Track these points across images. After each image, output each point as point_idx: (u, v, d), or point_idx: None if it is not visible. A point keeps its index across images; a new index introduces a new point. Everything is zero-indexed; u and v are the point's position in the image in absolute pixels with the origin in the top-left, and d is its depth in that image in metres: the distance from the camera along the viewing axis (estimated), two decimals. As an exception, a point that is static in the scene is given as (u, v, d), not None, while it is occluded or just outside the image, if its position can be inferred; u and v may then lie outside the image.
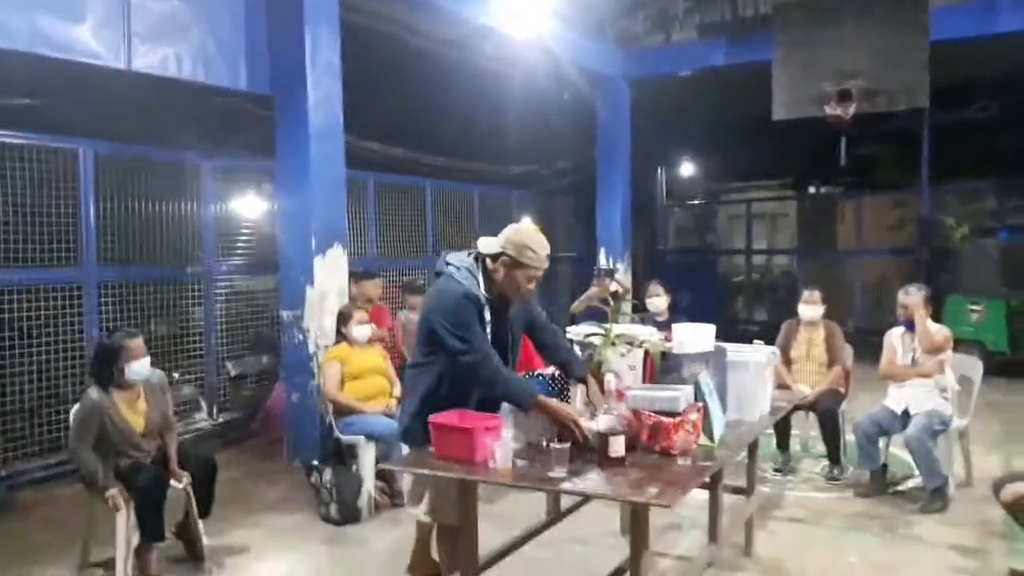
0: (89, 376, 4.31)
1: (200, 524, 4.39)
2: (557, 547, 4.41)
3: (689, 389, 3.28)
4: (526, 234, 3.33)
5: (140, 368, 4.19)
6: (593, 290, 7.03)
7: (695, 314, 6.01)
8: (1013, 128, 12.06)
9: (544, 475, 2.90)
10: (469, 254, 3.38)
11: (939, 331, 5.27)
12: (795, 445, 6.22)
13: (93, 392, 4.13)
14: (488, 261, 3.31)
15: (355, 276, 6.38)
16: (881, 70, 7.94)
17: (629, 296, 8.18)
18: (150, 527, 4.06)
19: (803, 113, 8.32)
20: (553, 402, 3.23)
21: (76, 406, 4.19)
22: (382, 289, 6.54)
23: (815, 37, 8.21)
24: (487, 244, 3.34)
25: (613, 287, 7.19)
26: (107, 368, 4.15)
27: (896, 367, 5.36)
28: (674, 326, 3.83)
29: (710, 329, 3.73)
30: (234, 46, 5.93)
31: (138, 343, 4.20)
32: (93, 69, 5.15)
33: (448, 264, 3.36)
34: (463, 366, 3.21)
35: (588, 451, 3.05)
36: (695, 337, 3.66)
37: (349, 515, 4.91)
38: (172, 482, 4.23)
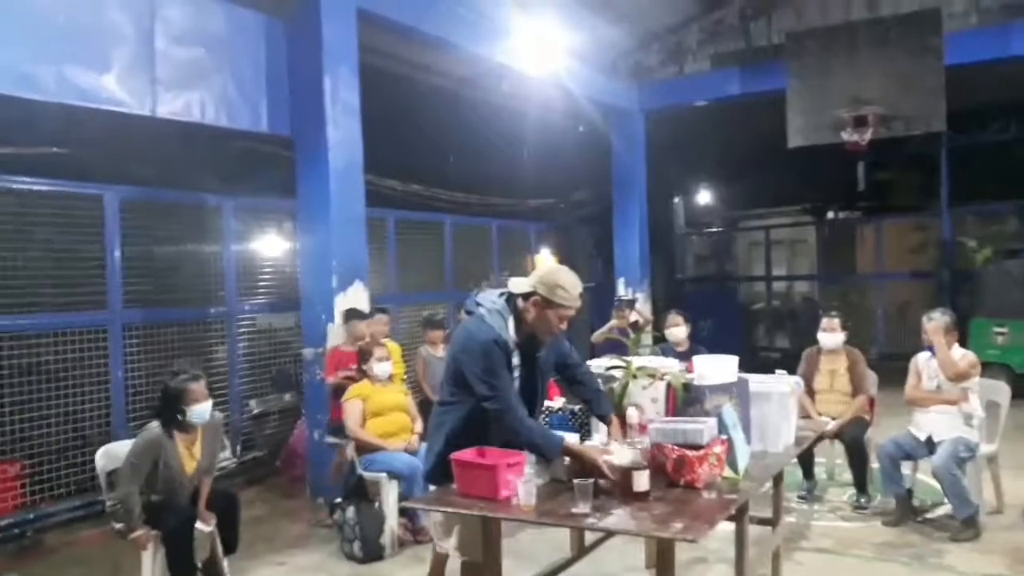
0: (153, 416, 4.31)
1: (224, 562, 4.39)
2: (583, 583, 4.38)
3: (713, 422, 3.27)
4: (558, 273, 3.32)
5: (202, 411, 4.22)
6: (613, 321, 7.07)
7: (716, 343, 6.01)
8: (1031, 150, 12.03)
9: (568, 511, 2.89)
10: (501, 294, 3.37)
11: (964, 357, 5.18)
12: (821, 473, 6.15)
13: (155, 428, 4.15)
14: (519, 301, 3.29)
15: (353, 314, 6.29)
16: (896, 95, 7.96)
17: (650, 327, 8.18)
18: (179, 568, 4.08)
19: (819, 140, 8.35)
20: (577, 446, 3.22)
21: (137, 438, 4.18)
22: (387, 326, 6.51)
23: (829, 64, 8.25)
24: (518, 284, 3.34)
25: (633, 317, 7.22)
26: (170, 410, 4.18)
27: (920, 393, 5.29)
28: (695, 358, 3.82)
29: (732, 360, 3.71)
30: (255, 90, 6.05)
31: (200, 386, 4.23)
32: (119, 116, 5.27)
33: (479, 305, 3.36)
34: (489, 412, 3.22)
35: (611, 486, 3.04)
36: (717, 369, 3.66)
37: (372, 553, 4.91)
38: (199, 525, 4.25)
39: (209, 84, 5.76)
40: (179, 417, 4.16)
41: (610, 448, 3.25)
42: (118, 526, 4.16)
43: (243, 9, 5.99)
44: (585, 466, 3.09)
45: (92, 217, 6.06)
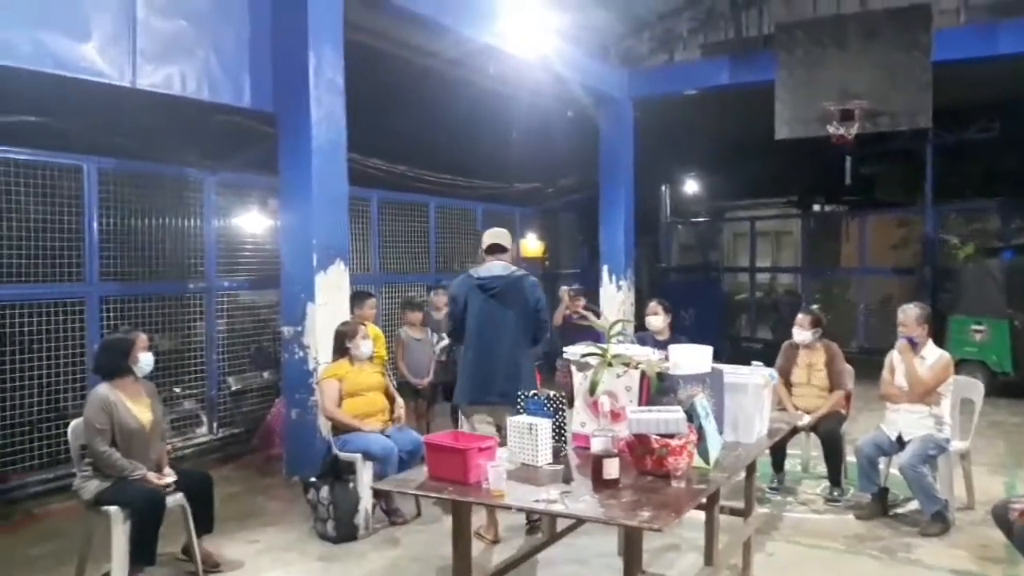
0: (95, 373, 4.39)
1: (196, 544, 4.38)
2: (554, 568, 4.40)
3: (680, 411, 3.25)
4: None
5: (147, 360, 4.35)
6: (565, 303, 7.69)
7: (698, 332, 6.03)
8: (1015, 149, 12.09)
9: (537, 497, 2.89)
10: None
11: (939, 359, 5.16)
12: (796, 465, 6.20)
13: (101, 387, 4.21)
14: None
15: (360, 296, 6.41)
16: (883, 90, 7.97)
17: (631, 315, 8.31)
18: (142, 550, 4.06)
19: (806, 132, 8.36)
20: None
21: (86, 406, 4.21)
22: (374, 310, 6.54)
23: (818, 57, 8.26)
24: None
25: (581, 303, 7.64)
26: (119, 360, 4.24)
27: (892, 388, 5.30)
28: (671, 347, 3.83)
29: (707, 350, 3.72)
30: (238, 64, 5.97)
31: (143, 338, 4.39)
32: (98, 87, 5.19)
33: (520, 269, 4.90)
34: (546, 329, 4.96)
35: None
36: (692, 359, 3.66)
37: (346, 532, 4.90)
38: (159, 479, 4.25)
39: (191, 57, 5.68)
40: (126, 368, 4.25)
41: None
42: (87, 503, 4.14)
43: (228, -18, 5.91)
44: None
45: (71, 188, 5.99)
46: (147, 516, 4.07)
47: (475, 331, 4.80)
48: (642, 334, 6.21)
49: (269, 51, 6.12)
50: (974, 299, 9.84)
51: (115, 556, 4.05)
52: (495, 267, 4.84)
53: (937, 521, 4.93)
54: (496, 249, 4.91)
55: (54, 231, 5.91)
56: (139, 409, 4.27)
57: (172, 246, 6.88)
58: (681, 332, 6.52)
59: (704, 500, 3.33)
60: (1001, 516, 3.84)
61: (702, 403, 3.38)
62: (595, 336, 3.89)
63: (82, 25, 5.02)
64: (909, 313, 5.24)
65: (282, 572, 4.51)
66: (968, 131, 12.10)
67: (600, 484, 2.97)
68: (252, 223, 7.65)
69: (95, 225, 6.13)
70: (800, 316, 5.94)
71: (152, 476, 4.24)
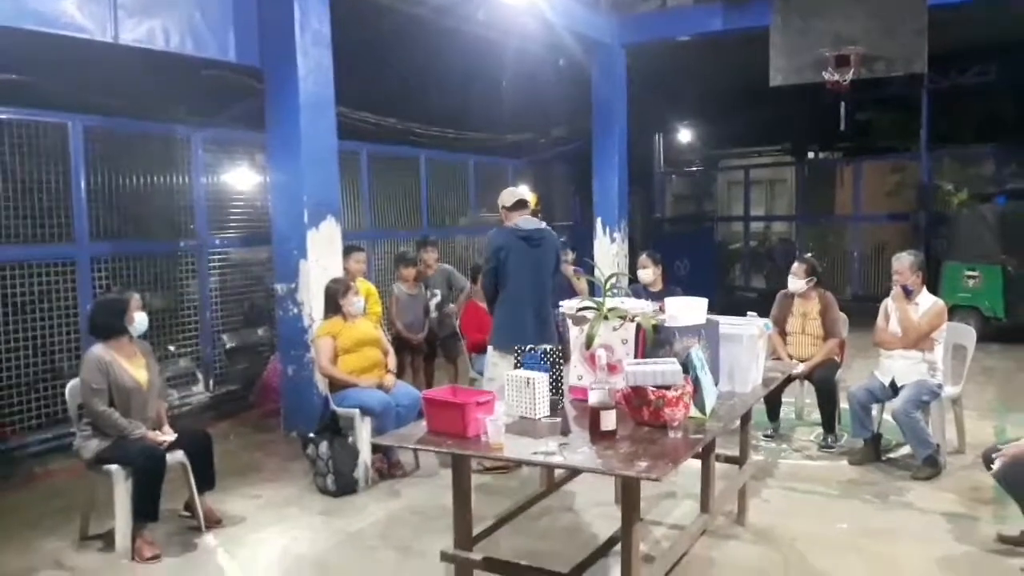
0: (89, 334, 4.38)
1: (198, 500, 4.42)
2: (551, 517, 4.46)
3: (677, 363, 3.26)
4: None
5: (142, 320, 4.34)
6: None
7: (693, 283, 6.04)
8: (1011, 94, 11.98)
9: (535, 449, 2.91)
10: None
11: (931, 308, 5.18)
12: (790, 413, 6.26)
13: (96, 348, 4.20)
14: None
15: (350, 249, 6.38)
16: (879, 36, 7.85)
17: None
18: (145, 507, 4.10)
19: (801, 79, 8.25)
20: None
21: (82, 366, 4.22)
22: (363, 264, 6.54)
23: (813, 3, 8.11)
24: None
25: (570, 257, 7.49)
26: (114, 321, 4.24)
27: (886, 335, 5.34)
28: (666, 300, 3.83)
29: (702, 302, 3.72)
30: (222, 18, 5.85)
31: (137, 297, 4.38)
32: (80, 43, 5.08)
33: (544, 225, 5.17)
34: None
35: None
36: (688, 310, 3.66)
37: (346, 487, 4.95)
38: (162, 437, 4.29)
39: (174, 11, 5.56)
40: (121, 328, 4.24)
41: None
42: (97, 448, 4.16)
43: (210, -69, 5.76)
44: None
45: (56, 146, 5.90)
46: (148, 474, 4.10)
47: (527, 280, 5.01)
48: (635, 286, 6.21)
49: (255, 4, 5.99)
50: (968, 245, 9.86)
51: (118, 513, 4.10)
52: (531, 221, 5.09)
53: (928, 465, 5.00)
54: (522, 205, 5.14)
55: (41, 191, 5.85)
56: (135, 368, 4.28)
57: (161, 204, 6.83)
58: (676, 283, 6.53)
59: (700, 449, 3.36)
60: (990, 461, 3.91)
61: (698, 354, 3.39)
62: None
63: (60, -21, 4.89)
64: (903, 261, 5.25)
65: (284, 526, 4.56)
66: (964, 76, 11.97)
67: (597, 435, 2.99)
68: (242, 180, 7.58)
69: (83, 184, 6.07)
70: (795, 265, 5.94)
71: (152, 434, 4.26)
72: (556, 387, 3.45)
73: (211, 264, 7.15)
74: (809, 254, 12.72)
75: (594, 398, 3.04)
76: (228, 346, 7.34)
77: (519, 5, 8.04)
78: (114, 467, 4.11)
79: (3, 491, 5.22)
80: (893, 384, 5.23)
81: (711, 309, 3.80)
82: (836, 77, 7.94)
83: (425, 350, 7.08)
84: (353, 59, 6.76)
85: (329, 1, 6.07)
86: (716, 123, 15.33)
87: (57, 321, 5.92)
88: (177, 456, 4.33)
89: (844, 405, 5.62)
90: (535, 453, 2.90)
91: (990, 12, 8.76)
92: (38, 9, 4.80)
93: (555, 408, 3.36)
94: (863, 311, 7.10)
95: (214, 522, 4.50)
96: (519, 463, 3.20)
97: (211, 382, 7.13)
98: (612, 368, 3.43)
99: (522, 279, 4.99)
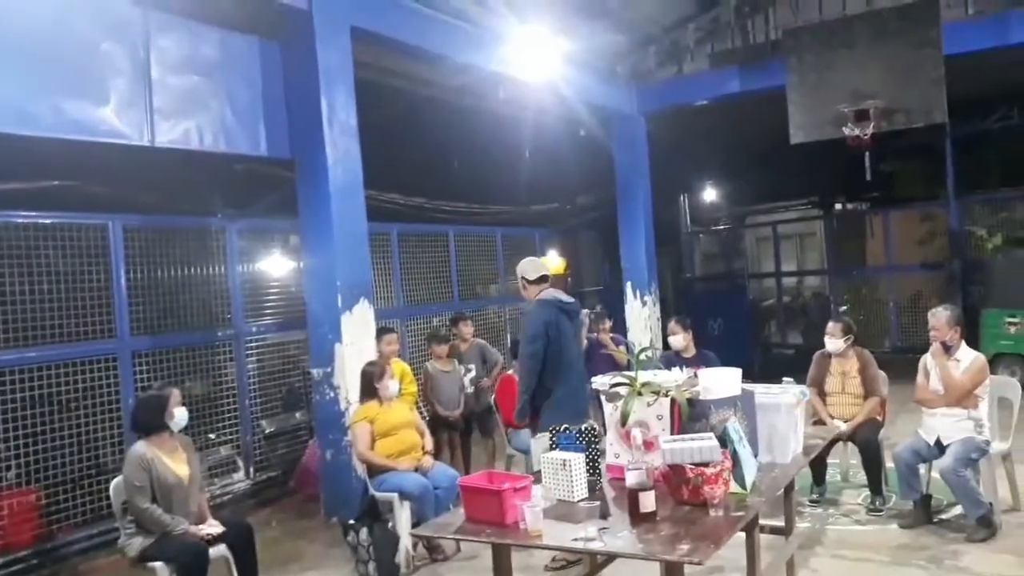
0: (131, 431, 4.47)
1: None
2: (597, 598, 4.37)
3: (713, 437, 3.24)
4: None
5: (182, 415, 4.45)
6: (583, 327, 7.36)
7: (727, 342, 6.00)
8: (1035, 136, 11.94)
9: (575, 535, 2.89)
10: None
11: (974, 362, 5.09)
12: (835, 475, 6.12)
13: (138, 445, 4.29)
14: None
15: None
16: (896, 88, 7.92)
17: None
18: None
19: (821, 136, 8.32)
20: None
21: (125, 464, 4.28)
22: (396, 344, 6.58)
23: (828, 59, 8.22)
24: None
25: (607, 326, 7.58)
26: (154, 418, 4.33)
27: (927, 394, 5.23)
28: (700, 372, 3.81)
29: (736, 373, 3.70)
30: (253, 114, 6.07)
31: (177, 392, 4.50)
32: (118, 148, 5.30)
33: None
34: None
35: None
36: (722, 382, 3.64)
37: (387, 573, 4.91)
38: (208, 530, 4.31)
39: (206, 111, 5.79)
40: (162, 424, 4.32)
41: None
42: (141, 545, 4.19)
43: (237, 34, 6.02)
44: None
45: (97, 247, 6.10)
46: (192, 570, 4.12)
47: (575, 354, 5.02)
48: (667, 354, 6.18)
49: (282, 98, 6.21)
50: (1006, 290, 9.68)
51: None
52: (561, 293, 5.08)
53: (983, 526, 4.85)
54: (544, 280, 5.07)
55: (83, 290, 6.02)
56: (176, 464, 4.33)
57: (199, 295, 6.98)
58: (709, 344, 6.49)
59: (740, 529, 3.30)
60: None
61: (735, 427, 3.36)
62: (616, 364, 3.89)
63: (99, 89, 5.14)
64: (940, 317, 5.17)
65: (327, 617, 4.53)
66: (987, 121, 11.96)
67: (638, 518, 2.97)
68: (275, 266, 7.75)
69: (123, 281, 6.23)
70: (831, 325, 5.88)
71: (194, 529, 4.28)
72: (593, 467, 3.43)
73: (248, 350, 7.26)
74: (844, 307, 12.62)
75: (632, 479, 3.02)
76: (267, 431, 7.39)
77: (538, 83, 8.24)
78: (158, 564, 4.14)
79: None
80: (939, 442, 5.11)
81: (748, 368, 3.78)
82: (856, 132, 7.99)
83: (461, 426, 7.07)
84: (378, 143, 6.94)
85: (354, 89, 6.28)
86: (741, 180, 15.38)
87: (101, 417, 6.01)
88: (220, 550, 4.34)
89: (890, 464, 5.49)
90: (575, 540, 2.88)
91: (1007, 58, 8.78)
92: (78, 119, 5.03)
93: (593, 489, 3.34)
94: (903, 363, 6.99)
95: (259, 615, 4.48)
96: (558, 550, 3.16)
97: (251, 469, 7.16)
98: (648, 445, 3.41)
99: (572, 353, 4.96)
